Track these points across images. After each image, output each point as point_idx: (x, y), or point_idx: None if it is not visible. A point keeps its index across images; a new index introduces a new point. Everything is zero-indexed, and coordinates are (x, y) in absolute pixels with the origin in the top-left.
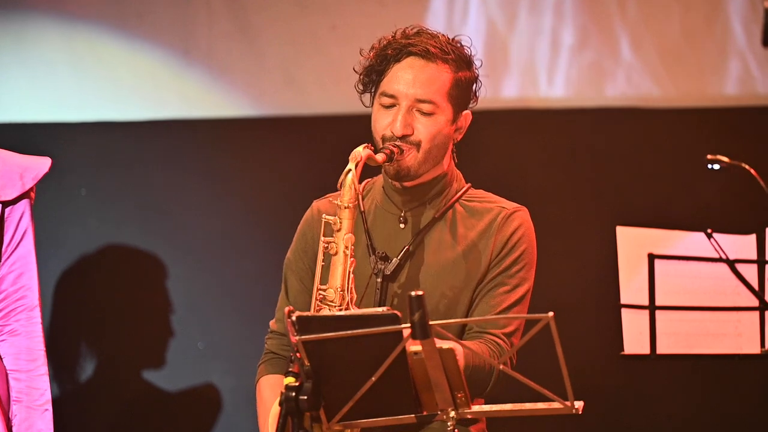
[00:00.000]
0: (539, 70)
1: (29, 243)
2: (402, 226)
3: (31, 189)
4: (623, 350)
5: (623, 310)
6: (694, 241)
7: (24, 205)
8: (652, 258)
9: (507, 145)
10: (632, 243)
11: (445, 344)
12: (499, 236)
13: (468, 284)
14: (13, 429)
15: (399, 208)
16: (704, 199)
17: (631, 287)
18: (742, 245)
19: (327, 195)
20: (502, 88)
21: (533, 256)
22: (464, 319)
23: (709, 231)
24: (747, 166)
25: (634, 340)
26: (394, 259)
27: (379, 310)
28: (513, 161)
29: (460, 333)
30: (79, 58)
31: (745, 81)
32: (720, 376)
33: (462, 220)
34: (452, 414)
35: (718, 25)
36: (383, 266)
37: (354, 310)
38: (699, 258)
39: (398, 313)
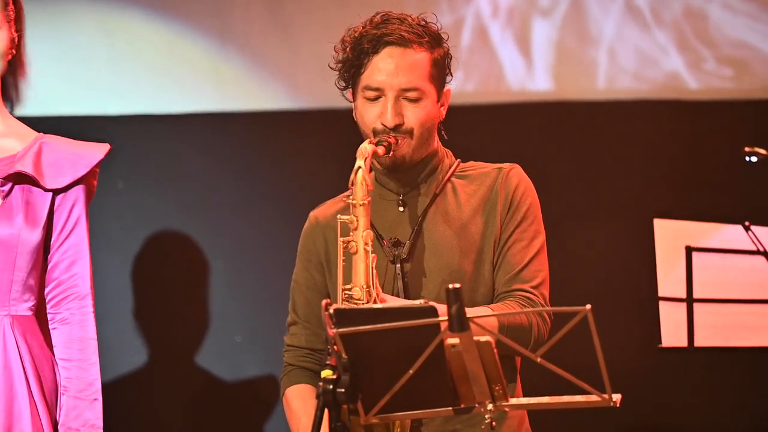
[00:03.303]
0: (575, 62)
1: (82, 231)
2: (402, 209)
3: (84, 176)
4: (661, 343)
5: (661, 303)
6: (731, 234)
7: (76, 193)
8: (689, 250)
9: (545, 138)
10: (670, 235)
11: (482, 337)
12: (503, 193)
13: (486, 245)
14: (60, 419)
15: (395, 193)
16: (742, 191)
17: (669, 280)
18: None
19: (323, 203)
20: (536, 81)
21: (539, 209)
22: (499, 312)
23: (746, 224)
24: None
25: (672, 332)
26: (407, 242)
27: (417, 302)
28: (552, 154)
29: (490, 299)
30: (115, 50)
31: None
32: (758, 368)
33: (462, 188)
34: (489, 406)
35: (754, 17)
36: (398, 251)
37: (391, 302)
38: (737, 250)
39: (435, 306)
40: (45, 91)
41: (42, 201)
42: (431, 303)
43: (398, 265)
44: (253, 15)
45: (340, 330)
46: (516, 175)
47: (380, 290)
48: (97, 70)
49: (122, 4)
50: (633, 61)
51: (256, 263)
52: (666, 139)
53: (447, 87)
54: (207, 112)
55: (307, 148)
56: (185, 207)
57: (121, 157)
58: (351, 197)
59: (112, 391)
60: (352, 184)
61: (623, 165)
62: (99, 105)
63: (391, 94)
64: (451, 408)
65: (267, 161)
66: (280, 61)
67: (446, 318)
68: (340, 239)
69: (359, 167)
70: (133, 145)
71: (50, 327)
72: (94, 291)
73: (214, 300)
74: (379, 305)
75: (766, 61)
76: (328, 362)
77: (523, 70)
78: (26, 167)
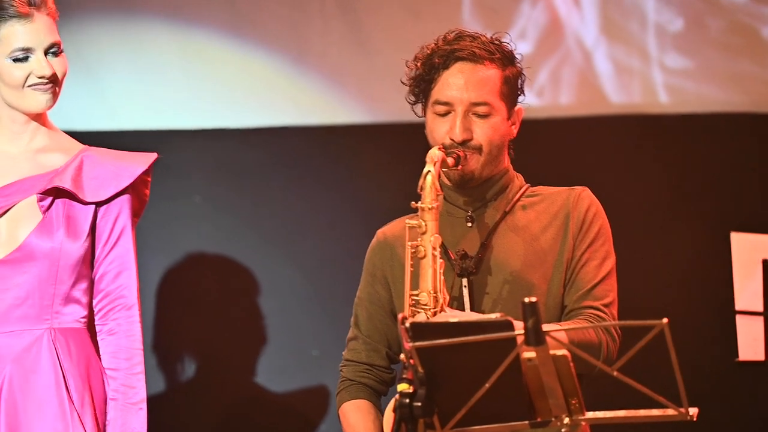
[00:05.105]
0: (652, 76)
1: (127, 242)
2: (470, 225)
3: (130, 187)
4: (738, 357)
5: (738, 317)
6: None
7: (120, 204)
8: (766, 264)
9: (621, 152)
10: (747, 249)
11: (559, 351)
12: (575, 213)
13: (558, 262)
14: (108, 427)
15: (464, 209)
16: None
17: (746, 293)
18: None
19: (390, 221)
20: (611, 94)
21: (610, 232)
22: (576, 326)
23: None
24: None
25: (749, 346)
26: (475, 255)
27: (492, 316)
28: (628, 167)
29: (557, 316)
30: (192, 64)
31: None
32: None
33: (532, 207)
34: (566, 420)
35: None
36: (465, 264)
37: (467, 316)
38: None
39: (511, 320)
40: (124, 107)
41: (84, 214)
42: (507, 317)
43: (465, 279)
44: (330, 31)
45: (417, 344)
46: (587, 196)
47: (447, 297)
48: (174, 84)
49: (199, 23)
50: (710, 76)
51: (333, 276)
52: (744, 152)
53: (519, 106)
54: (283, 126)
55: (383, 162)
56: (262, 220)
57: (198, 171)
58: (420, 201)
59: (179, 400)
60: (421, 189)
61: (700, 178)
62: (175, 119)
63: (460, 109)
64: (527, 422)
65: (343, 175)
66: (357, 75)
67: (522, 332)
68: (408, 243)
69: (428, 171)
70: (211, 160)
71: (98, 338)
72: (142, 300)
73: (292, 314)
74: (455, 319)
75: None
76: (404, 376)
77: (605, 84)
78: (65, 182)
